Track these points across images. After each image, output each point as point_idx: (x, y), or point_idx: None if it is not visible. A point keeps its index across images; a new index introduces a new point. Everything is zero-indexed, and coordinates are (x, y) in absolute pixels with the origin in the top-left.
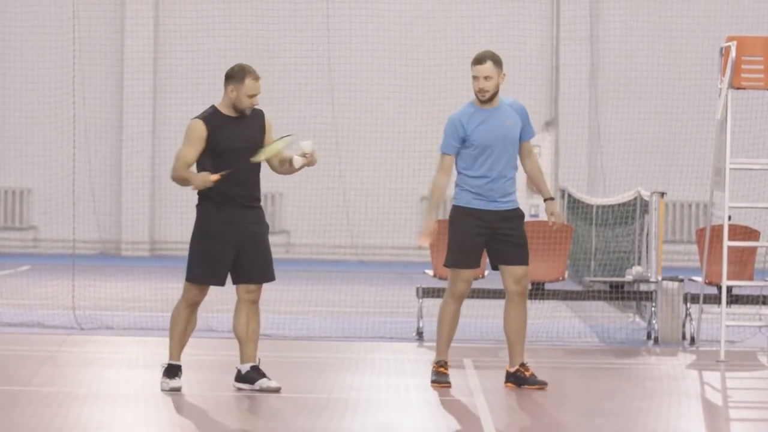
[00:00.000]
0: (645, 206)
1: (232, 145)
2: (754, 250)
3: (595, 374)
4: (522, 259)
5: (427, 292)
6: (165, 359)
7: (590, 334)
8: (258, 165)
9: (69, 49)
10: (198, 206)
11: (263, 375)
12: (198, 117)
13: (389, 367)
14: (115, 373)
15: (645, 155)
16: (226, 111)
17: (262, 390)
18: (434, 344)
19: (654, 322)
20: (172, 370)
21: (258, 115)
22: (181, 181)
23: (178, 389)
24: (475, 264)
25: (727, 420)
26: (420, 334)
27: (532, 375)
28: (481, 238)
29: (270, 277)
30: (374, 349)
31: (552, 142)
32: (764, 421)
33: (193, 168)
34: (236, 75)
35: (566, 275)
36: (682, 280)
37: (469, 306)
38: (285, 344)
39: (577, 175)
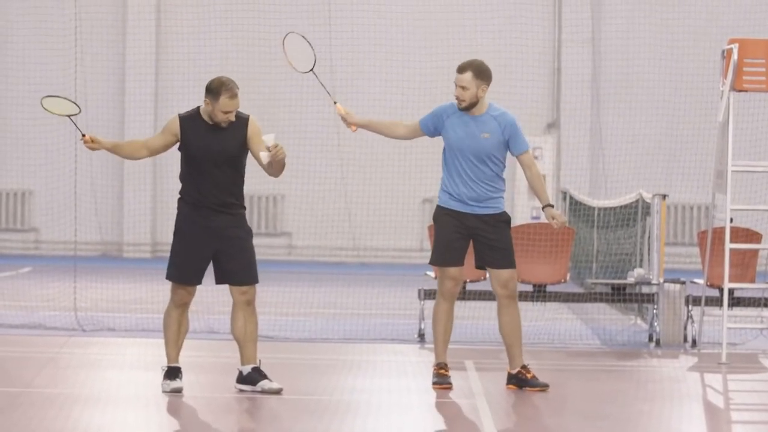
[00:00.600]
0: (647, 208)
1: (201, 152)
2: (755, 252)
3: (597, 376)
4: (505, 262)
5: (429, 294)
6: (164, 363)
7: (592, 336)
8: (234, 172)
9: (71, 51)
10: (177, 203)
11: (265, 376)
12: (180, 114)
13: (391, 369)
14: (117, 374)
15: (647, 157)
16: (206, 117)
17: (263, 391)
18: None
19: (656, 324)
20: (172, 373)
21: (240, 124)
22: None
23: (179, 390)
24: (459, 262)
25: (728, 422)
26: (421, 336)
27: (534, 377)
28: (461, 236)
29: (252, 279)
30: (376, 351)
31: (554, 144)
32: (766, 424)
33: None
34: (213, 90)
35: (568, 277)
36: (683, 283)
37: (470, 308)
38: (286, 346)
39: (578, 177)
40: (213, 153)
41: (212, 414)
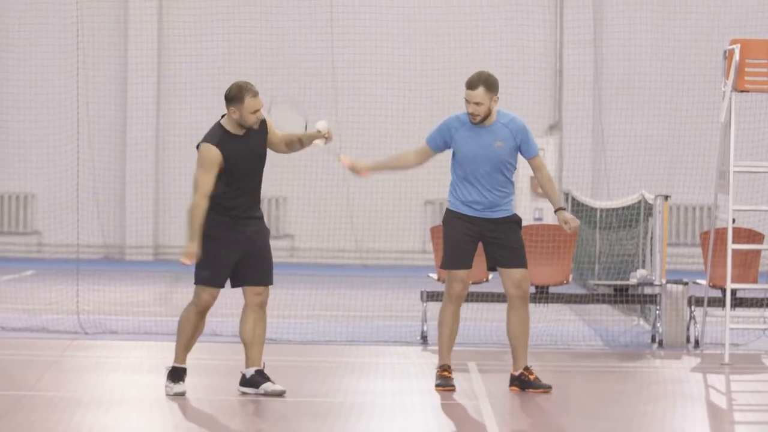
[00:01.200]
0: (649, 209)
1: (243, 165)
2: (758, 252)
3: (600, 377)
4: (518, 261)
5: (432, 296)
6: (169, 362)
7: (594, 337)
8: (262, 171)
9: (72, 54)
10: (208, 215)
11: (268, 379)
12: (208, 142)
13: (394, 370)
14: (120, 377)
15: (649, 158)
16: (233, 129)
17: (266, 394)
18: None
19: (658, 325)
20: (177, 374)
21: (261, 125)
22: (190, 221)
23: (182, 394)
24: (468, 264)
25: (731, 423)
26: (424, 338)
27: (537, 378)
28: (471, 239)
29: (269, 279)
30: (378, 352)
31: (556, 146)
32: None
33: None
34: (235, 96)
35: (570, 278)
36: (686, 283)
37: (473, 310)
38: (289, 348)
39: (580, 178)
40: (251, 161)
41: (215, 417)
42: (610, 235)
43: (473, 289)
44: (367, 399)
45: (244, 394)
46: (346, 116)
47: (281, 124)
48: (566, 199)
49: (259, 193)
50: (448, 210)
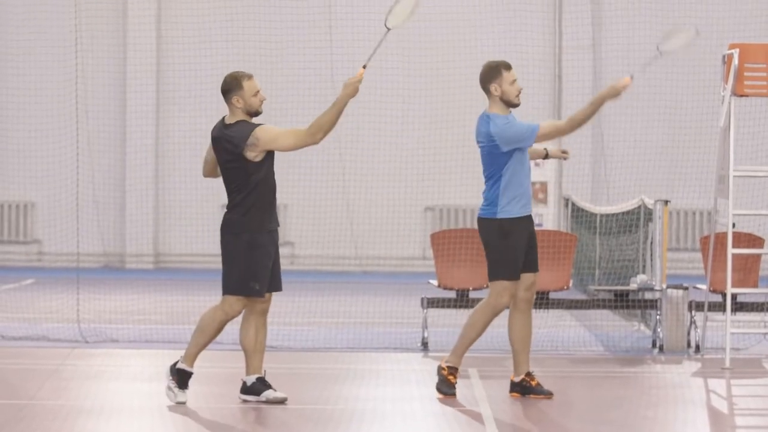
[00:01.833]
0: (649, 214)
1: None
2: (758, 257)
3: (601, 383)
4: (536, 265)
5: (432, 303)
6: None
7: (595, 342)
8: None
9: (72, 62)
10: (242, 216)
11: (269, 386)
12: (252, 128)
13: (394, 377)
14: (121, 386)
15: (648, 163)
16: (247, 119)
17: (268, 401)
18: (439, 354)
19: (659, 330)
20: (183, 378)
21: None
22: (330, 124)
23: (183, 404)
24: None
25: (732, 428)
26: (425, 345)
27: (538, 384)
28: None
29: (280, 286)
30: (379, 359)
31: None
32: None
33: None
34: (233, 84)
35: (570, 284)
36: (686, 288)
37: None
38: (290, 355)
39: (580, 183)
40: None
41: (217, 425)
42: (610, 241)
43: (473, 295)
44: (368, 406)
45: (245, 401)
46: (345, 123)
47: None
48: (566, 205)
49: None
50: (506, 220)
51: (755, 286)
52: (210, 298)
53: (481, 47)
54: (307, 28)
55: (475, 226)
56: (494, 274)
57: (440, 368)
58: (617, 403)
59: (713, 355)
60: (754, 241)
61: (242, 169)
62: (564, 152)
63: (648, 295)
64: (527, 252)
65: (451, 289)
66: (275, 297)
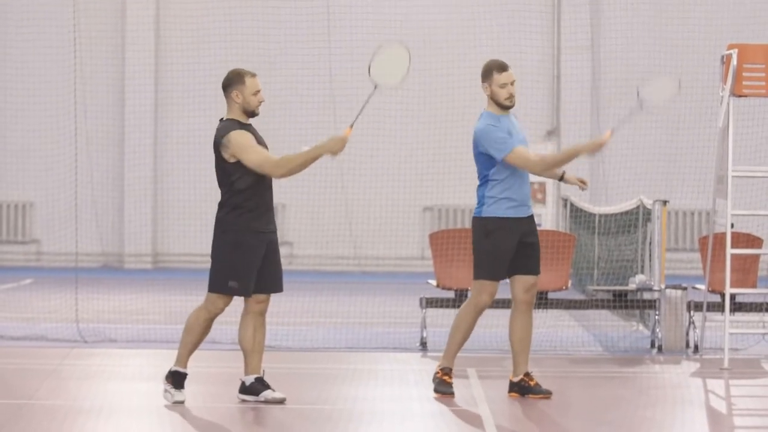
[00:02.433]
0: (647, 215)
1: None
2: (757, 257)
3: (599, 383)
4: (535, 267)
5: (431, 303)
6: (170, 367)
7: (594, 342)
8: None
9: (70, 62)
10: (227, 215)
11: (268, 386)
12: (232, 129)
13: (393, 377)
14: (119, 385)
15: (647, 163)
16: (242, 119)
17: (266, 401)
18: (438, 354)
19: (657, 330)
20: (179, 379)
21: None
22: (299, 166)
23: (181, 403)
24: (504, 276)
25: (731, 428)
26: (423, 345)
27: (537, 384)
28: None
29: (282, 286)
30: (378, 359)
31: (554, 151)
32: None
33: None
34: (235, 79)
35: (569, 284)
36: (685, 288)
37: None
38: (289, 355)
39: None
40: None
41: (215, 424)
42: (608, 241)
43: None
44: (367, 406)
45: (243, 401)
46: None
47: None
48: (564, 205)
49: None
50: (490, 218)
51: (754, 286)
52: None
53: (479, 47)
54: (306, 28)
55: None
56: (475, 273)
57: (435, 374)
58: (616, 403)
59: (712, 356)
60: (752, 241)
61: (222, 168)
62: (582, 182)
63: (647, 296)
64: (524, 254)
65: (449, 289)
66: (274, 297)
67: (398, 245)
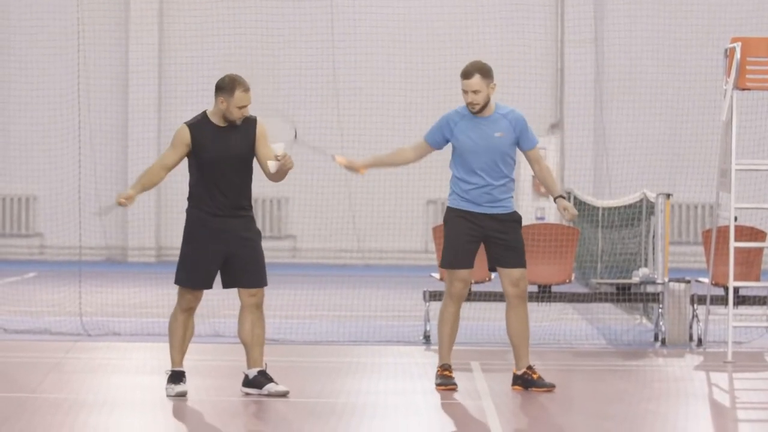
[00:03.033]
0: (651, 208)
1: (216, 155)
2: (760, 250)
3: (603, 376)
4: (518, 261)
5: (434, 296)
6: (169, 366)
7: (597, 336)
8: (246, 174)
9: (74, 56)
10: (187, 210)
11: (271, 380)
12: (186, 122)
13: (396, 370)
14: (123, 379)
15: (650, 157)
16: (216, 120)
17: (269, 395)
18: None
19: (661, 323)
20: (176, 377)
21: (249, 124)
22: (140, 176)
23: (183, 394)
24: (469, 264)
25: (735, 421)
26: (427, 338)
27: (540, 377)
28: (473, 239)
29: (262, 282)
30: (381, 352)
31: (557, 145)
32: None
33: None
34: (226, 87)
35: (573, 277)
36: (688, 282)
37: (476, 309)
38: (292, 349)
39: (582, 177)
40: (226, 155)
41: (218, 418)
42: (612, 234)
43: (476, 288)
44: (370, 399)
45: (247, 394)
46: (348, 117)
47: (272, 133)
48: (568, 198)
49: (247, 191)
50: (449, 208)
51: (757, 279)
52: (210, 292)
53: (483, 41)
54: (309, 22)
55: None
56: (440, 262)
57: (435, 373)
58: (619, 397)
59: (715, 349)
60: (756, 234)
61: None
62: (566, 209)
63: (650, 289)
64: (502, 248)
65: None
66: (277, 290)
67: (401, 238)
